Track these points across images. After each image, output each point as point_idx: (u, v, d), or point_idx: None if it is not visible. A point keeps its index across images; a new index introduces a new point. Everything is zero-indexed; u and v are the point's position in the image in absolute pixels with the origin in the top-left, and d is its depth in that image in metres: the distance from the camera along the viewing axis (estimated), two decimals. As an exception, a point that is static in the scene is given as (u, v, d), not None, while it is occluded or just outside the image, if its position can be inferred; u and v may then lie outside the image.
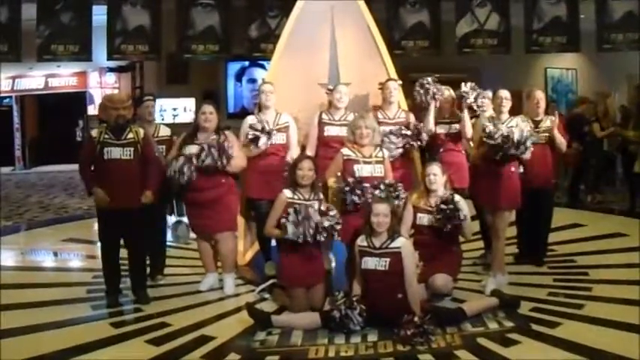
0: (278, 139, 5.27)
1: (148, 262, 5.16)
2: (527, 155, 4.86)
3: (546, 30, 10.54)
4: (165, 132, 5.48)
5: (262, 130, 5.15)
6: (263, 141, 5.14)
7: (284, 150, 5.31)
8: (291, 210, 4.34)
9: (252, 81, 13.17)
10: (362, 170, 4.81)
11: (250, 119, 5.32)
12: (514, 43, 10.68)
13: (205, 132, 4.98)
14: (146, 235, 4.93)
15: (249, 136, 5.17)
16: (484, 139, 4.88)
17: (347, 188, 4.66)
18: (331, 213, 4.39)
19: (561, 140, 5.45)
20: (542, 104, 5.49)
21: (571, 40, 10.57)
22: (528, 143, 4.79)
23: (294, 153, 5.27)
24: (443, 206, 4.58)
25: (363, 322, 4.07)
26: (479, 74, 12.58)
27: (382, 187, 4.68)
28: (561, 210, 7.29)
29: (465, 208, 4.69)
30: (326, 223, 4.31)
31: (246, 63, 13.28)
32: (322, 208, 4.39)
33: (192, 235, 5.35)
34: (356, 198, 4.64)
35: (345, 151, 4.89)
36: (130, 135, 4.73)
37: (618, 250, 5.99)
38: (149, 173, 4.78)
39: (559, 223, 6.45)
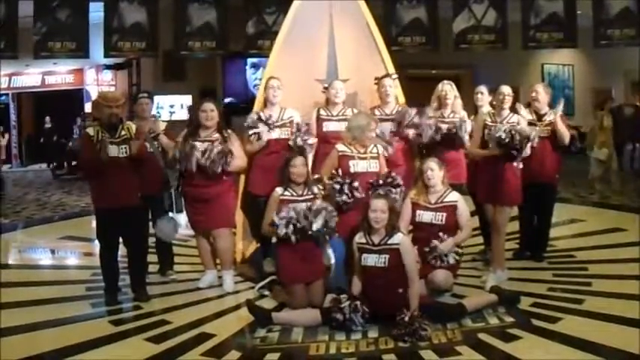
0: (282, 134, 5.24)
1: (156, 258, 5.11)
2: (528, 151, 4.83)
3: (543, 26, 10.58)
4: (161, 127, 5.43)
5: (265, 123, 5.14)
6: (264, 133, 5.13)
7: (288, 145, 5.26)
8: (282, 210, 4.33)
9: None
10: (357, 166, 4.81)
11: (253, 114, 5.30)
12: (511, 38, 10.71)
13: (207, 129, 4.97)
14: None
15: (251, 131, 5.16)
16: (489, 136, 4.87)
17: (336, 187, 4.65)
18: (327, 210, 4.37)
19: (564, 132, 5.36)
20: (543, 98, 5.42)
21: (568, 35, 10.61)
22: (533, 138, 4.78)
23: None
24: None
25: (364, 323, 4.04)
26: (476, 70, 12.61)
27: (380, 181, 4.67)
28: (560, 205, 7.29)
29: (465, 211, 4.68)
30: (316, 225, 4.28)
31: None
32: (316, 206, 4.37)
33: (178, 234, 5.33)
34: (345, 198, 4.64)
35: (340, 147, 4.88)
36: (124, 132, 4.72)
37: (617, 245, 5.99)
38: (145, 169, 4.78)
39: (558, 219, 6.46)
